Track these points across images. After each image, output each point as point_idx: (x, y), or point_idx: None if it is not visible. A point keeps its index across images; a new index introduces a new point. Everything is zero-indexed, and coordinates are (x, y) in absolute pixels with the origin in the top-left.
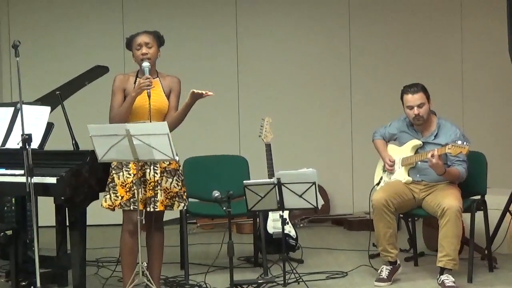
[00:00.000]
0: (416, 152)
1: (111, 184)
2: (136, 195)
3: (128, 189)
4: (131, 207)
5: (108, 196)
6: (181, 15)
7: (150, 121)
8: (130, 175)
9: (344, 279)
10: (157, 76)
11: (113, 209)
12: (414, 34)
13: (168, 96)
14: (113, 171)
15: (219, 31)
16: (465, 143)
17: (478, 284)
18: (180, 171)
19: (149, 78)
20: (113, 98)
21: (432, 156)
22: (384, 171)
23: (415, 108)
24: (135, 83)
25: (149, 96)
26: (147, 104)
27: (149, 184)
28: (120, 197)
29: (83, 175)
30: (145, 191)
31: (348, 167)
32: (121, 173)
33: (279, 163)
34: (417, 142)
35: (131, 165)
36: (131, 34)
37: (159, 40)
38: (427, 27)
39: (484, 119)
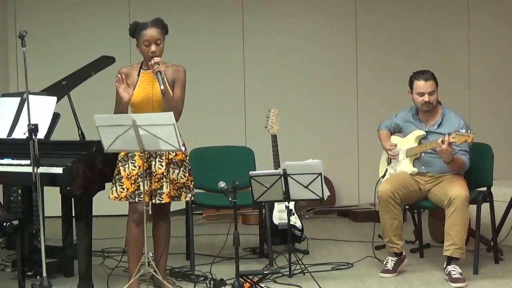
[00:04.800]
0: (420, 142)
1: (117, 176)
2: (141, 187)
3: (133, 181)
4: (136, 199)
5: (114, 188)
6: (187, 6)
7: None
8: (136, 167)
9: (350, 270)
10: None
11: (120, 201)
12: (420, 29)
13: (172, 86)
14: (119, 164)
15: (225, 22)
16: (469, 131)
17: (483, 275)
18: (187, 162)
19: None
20: (116, 93)
21: (443, 141)
22: (388, 163)
23: (426, 95)
24: (138, 75)
25: (163, 94)
26: (151, 97)
27: (155, 176)
28: (125, 189)
29: (90, 165)
30: (151, 183)
31: (354, 158)
32: (126, 165)
33: (285, 154)
34: (420, 132)
35: (136, 157)
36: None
37: (165, 30)
38: (433, 22)
39: (490, 111)
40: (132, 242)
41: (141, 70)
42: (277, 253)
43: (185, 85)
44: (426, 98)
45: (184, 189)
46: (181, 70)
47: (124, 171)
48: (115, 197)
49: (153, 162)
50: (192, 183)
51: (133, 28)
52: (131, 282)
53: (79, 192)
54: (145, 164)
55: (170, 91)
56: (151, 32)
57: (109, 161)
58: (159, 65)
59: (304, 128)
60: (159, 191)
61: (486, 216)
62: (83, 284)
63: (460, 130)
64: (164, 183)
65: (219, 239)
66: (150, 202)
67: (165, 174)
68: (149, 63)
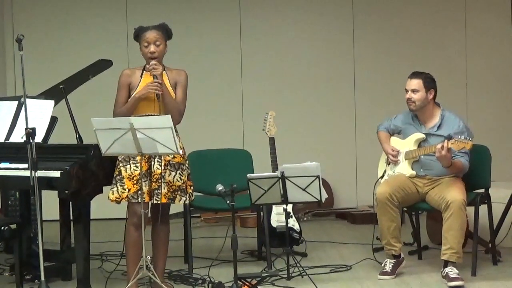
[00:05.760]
0: (419, 145)
1: (118, 177)
2: (142, 188)
3: (135, 182)
4: (138, 199)
5: (115, 189)
6: (184, 9)
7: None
8: (138, 167)
9: (348, 272)
10: (164, 70)
11: (119, 202)
12: (417, 29)
13: (174, 89)
14: (120, 164)
15: (223, 25)
16: (468, 138)
17: (481, 277)
18: (186, 165)
19: (158, 82)
20: (118, 93)
21: (442, 148)
22: (387, 164)
23: (409, 91)
24: (141, 76)
25: (158, 98)
26: (153, 98)
27: (153, 176)
28: (127, 190)
29: (87, 169)
30: (151, 183)
31: (352, 160)
32: (128, 166)
33: (282, 157)
34: (420, 135)
35: (138, 157)
36: (136, 26)
37: (167, 34)
38: (431, 22)
39: (488, 113)
40: (131, 245)
41: (144, 71)
42: (275, 256)
43: (187, 87)
44: (407, 95)
45: (179, 192)
46: (182, 73)
47: (126, 171)
48: (116, 197)
49: (153, 163)
50: (192, 187)
51: (137, 32)
52: (130, 285)
53: (76, 196)
54: (145, 165)
55: (172, 93)
56: (151, 34)
57: (107, 164)
58: (155, 69)
59: (301, 130)
60: (156, 191)
61: (484, 218)
62: None
63: (460, 136)
64: (162, 184)
65: (217, 242)
66: (149, 203)
67: (163, 174)
68: (147, 66)
